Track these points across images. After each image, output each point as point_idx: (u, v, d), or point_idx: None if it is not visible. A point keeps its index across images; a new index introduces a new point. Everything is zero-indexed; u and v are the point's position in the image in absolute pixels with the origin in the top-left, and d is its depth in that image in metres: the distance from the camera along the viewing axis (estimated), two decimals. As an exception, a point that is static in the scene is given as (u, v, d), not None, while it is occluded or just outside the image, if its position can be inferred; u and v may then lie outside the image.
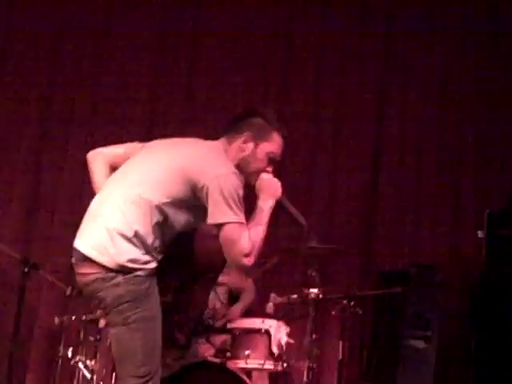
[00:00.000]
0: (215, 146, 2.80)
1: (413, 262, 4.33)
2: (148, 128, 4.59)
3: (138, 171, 2.71)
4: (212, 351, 3.22)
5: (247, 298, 4.05)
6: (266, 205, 2.72)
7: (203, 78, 4.78)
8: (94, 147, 2.68)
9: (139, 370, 2.59)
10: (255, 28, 4.83)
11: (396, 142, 4.78)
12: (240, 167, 2.73)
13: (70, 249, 2.66)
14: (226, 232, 2.60)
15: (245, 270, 2.68)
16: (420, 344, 3.92)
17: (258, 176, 2.79)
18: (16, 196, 4.50)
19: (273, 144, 2.82)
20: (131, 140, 2.89)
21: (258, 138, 2.79)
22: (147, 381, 2.60)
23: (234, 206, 2.59)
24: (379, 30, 4.84)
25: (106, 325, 3.32)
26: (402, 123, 4.80)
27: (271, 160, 2.83)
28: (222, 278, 3.62)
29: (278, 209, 2.78)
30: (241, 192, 2.65)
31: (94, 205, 2.72)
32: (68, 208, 4.30)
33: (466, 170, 4.75)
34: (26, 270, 3.66)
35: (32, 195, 4.51)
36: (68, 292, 3.70)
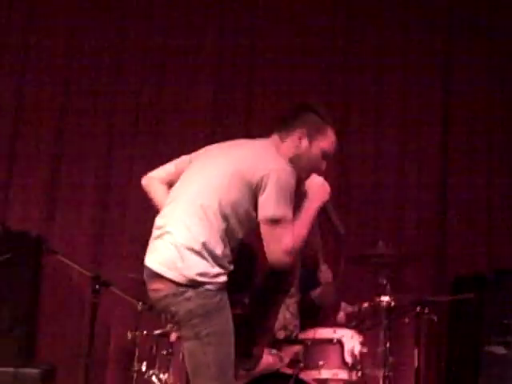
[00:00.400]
0: (267, 144, 2.77)
1: (490, 266, 4.19)
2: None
3: (194, 182, 2.71)
4: (285, 362, 3.18)
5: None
6: (313, 206, 2.68)
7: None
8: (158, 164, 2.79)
9: (213, 383, 2.58)
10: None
11: (464, 141, 4.66)
12: (293, 164, 2.69)
13: (138, 264, 2.69)
14: (268, 228, 2.57)
15: (281, 267, 2.60)
16: (501, 350, 3.78)
17: (311, 174, 2.75)
18: (85, 215, 4.60)
19: (327, 140, 2.79)
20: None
21: (313, 134, 2.76)
22: None
23: (284, 200, 2.57)
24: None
25: (178, 338, 3.35)
26: (469, 124, 4.69)
27: (325, 157, 2.79)
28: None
29: (321, 214, 2.73)
30: (293, 188, 2.62)
31: (159, 223, 2.73)
32: (135, 224, 4.36)
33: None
34: (97, 287, 3.71)
35: (100, 213, 4.60)
36: (139, 307, 3.75)
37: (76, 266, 3.88)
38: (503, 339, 3.79)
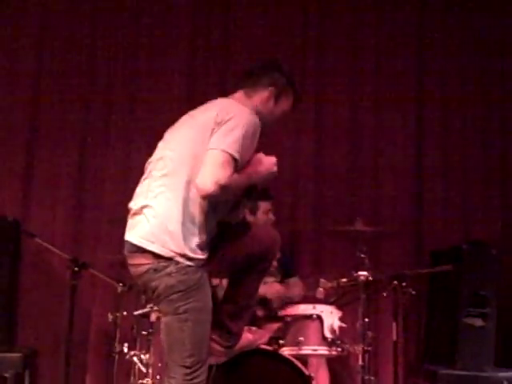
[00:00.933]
0: (230, 99, 2.79)
1: (465, 239, 4.22)
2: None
3: (166, 156, 2.71)
4: (265, 339, 3.20)
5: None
6: (255, 176, 2.69)
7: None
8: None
9: (187, 359, 2.60)
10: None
11: (439, 117, 4.67)
12: None
13: (118, 246, 2.68)
14: (215, 154, 2.54)
15: (204, 195, 2.55)
16: (478, 322, 3.82)
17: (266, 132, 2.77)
18: (62, 197, 4.55)
19: (289, 102, 2.87)
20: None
21: (279, 95, 2.83)
22: (195, 371, 2.61)
23: (240, 144, 2.57)
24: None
25: (158, 318, 3.36)
26: (444, 98, 4.69)
27: (283, 116, 2.88)
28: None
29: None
30: (252, 137, 2.63)
31: (137, 198, 2.74)
32: (113, 206, 4.33)
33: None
34: (76, 269, 3.70)
35: (77, 195, 4.55)
36: (119, 289, 3.75)
37: (54, 249, 3.86)
38: (480, 311, 3.84)
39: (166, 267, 2.59)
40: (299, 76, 4.54)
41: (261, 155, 2.74)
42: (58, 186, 4.57)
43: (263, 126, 2.73)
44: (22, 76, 4.64)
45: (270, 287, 3.77)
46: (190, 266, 2.61)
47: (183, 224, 2.59)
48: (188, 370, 2.60)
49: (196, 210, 2.61)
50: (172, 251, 2.59)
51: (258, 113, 2.75)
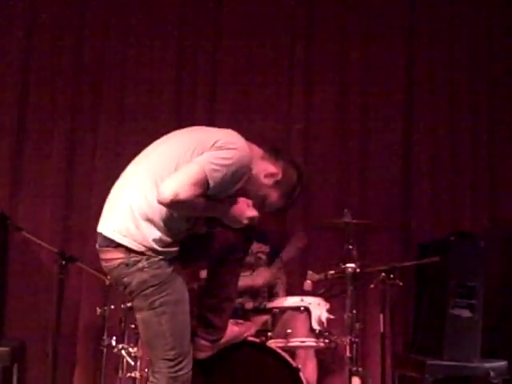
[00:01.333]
0: (241, 137, 2.75)
1: (453, 231, 4.25)
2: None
3: (151, 155, 2.73)
4: (252, 331, 3.21)
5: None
6: (229, 214, 2.67)
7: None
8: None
9: (169, 352, 2.62)
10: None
11: (428, 109, 4.68)
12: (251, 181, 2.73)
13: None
14: (194, 168, 2.53)
15: (158, 200, 2.52)
16: (465, 313, 3.85)
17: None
18: (51, 190, 4.54)
19: (281, 202, 2.87)
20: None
21: (281, 186, 2.82)
22: (179, 363, 2.62)
23: (222, 173, 2.54)
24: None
25: (130, 309, 3.35)
26: (433, 88, 4.70)
27: (269, 206, 2.87)
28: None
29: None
30: (241, 178, 2.62)
31: (114, 190, 2.75)
32: (101, 199, 4.31)
33: (501, 132, 4.64)
34: (63, 263, 3.69)
35: (65, 189, 4.54)
36: (107, 282, 3.74)
37: (41, 242, 3.85)
38: (467, 302, 3.86)
39: (137, 262, 2.60)
40: (287, 77, 4.58)
41: (245, 202, 2.73)
42: (46, 180, 4.56)
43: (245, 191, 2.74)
44: (9, 76, 4.60)
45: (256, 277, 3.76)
46: (161, 259, 2.62)
47: (155, 220, 2.60)
48: (172, 363, 2.61)
49: (167, 209, 2.59)
50: (143, 246, 2.59)
51: (256, 175, 2.76)
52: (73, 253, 3.82)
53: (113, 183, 2.73)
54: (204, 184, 2.52)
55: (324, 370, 3.98)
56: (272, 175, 2.81)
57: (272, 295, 3.83)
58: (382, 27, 4.74)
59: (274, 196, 2.84)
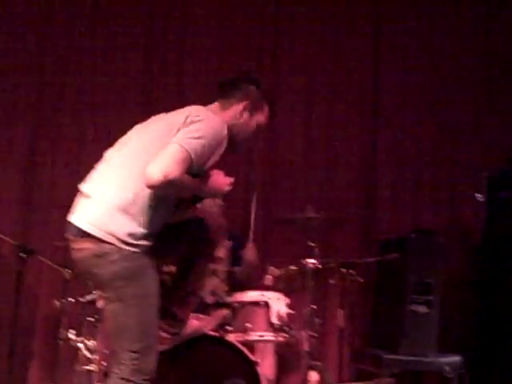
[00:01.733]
0: (206, 108, 2.80)
1: (414, 228, 4.30)
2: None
3: (129, 146, 2.73)
4: (212, 325, 3.21)
5: None
6: (205, 189, 2.71)
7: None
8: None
9: (135, 345, 2.60)
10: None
11: (393, 104, 4.71)
12: (230, 132, 2.74)
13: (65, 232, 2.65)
14: (174, 148, 2.54)
15: (149, 184, 2.52)
16: (422, 309, 3.90)
17: (243, 146, 2.84)
18: (11, 184, 4.48)
19: (264, 115, 2.92)
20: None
21: (254, 108, 2.86)
22: (143, 355, 2.61)
23: (199, 145, 2.56)
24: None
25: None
26: (399, 86, 4.73)
27: (258, 130, 2.90)
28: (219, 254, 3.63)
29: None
30: (219, 145, 2.64)
31: (88, 183, 2.72)
32: (63, 191, 4.28)
33: (464, 131, 4.70)
34: (23, 255, 3.66)
35: (26, 180, 4.49)
36: (67, 275, 3.72)
37: (1, 235, 3.80)
38: (425, 298, 3.92)
39: (109, 254, 2.58)
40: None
41: (219, 173, 2.76)
42: (6, 171, 4.50)
43: (239, 140, 2.81)
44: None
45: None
46: (134, 252, 2.61)
47: (129, 212, 2.59)
48: (136, 355, 2.60)
49: (143, 201, 2.60)
50: (116, 238, 2.58)
51: (232, 125, 2.79)
52: (33, 245, 3.78)
53: (75, 177, 2.73)
54: (188, 160, 2.55)
55: (283, 365, 4.00)
56: (242, 110, 2.85)
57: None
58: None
59: (259, 119, 2.89)
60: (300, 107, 4.69)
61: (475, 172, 4.44)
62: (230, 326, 3.32)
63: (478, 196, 4.23)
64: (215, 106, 2.86)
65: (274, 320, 3.43)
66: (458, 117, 4.73)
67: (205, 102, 2.87)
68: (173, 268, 3.07)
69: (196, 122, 2.63)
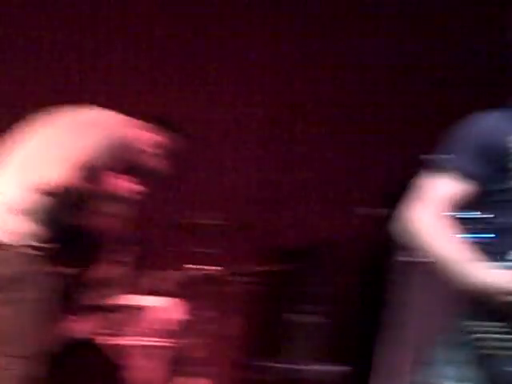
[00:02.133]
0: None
1: (313, 238, 4.38)
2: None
3: (30, 144, 2.71)
4: (90, 330, 3.23)
5: None
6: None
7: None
8: None
9: (26, 350, 2.57)
10: None
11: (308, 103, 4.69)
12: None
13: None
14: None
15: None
16: (307, 318, 3.99)
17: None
18: None
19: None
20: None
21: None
22: (34, 361, 2.58)
23: (101, 150, 2.60)
24: None
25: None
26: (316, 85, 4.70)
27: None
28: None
29: None
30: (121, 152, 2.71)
31: None
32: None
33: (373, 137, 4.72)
34: None
35: None
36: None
37: None
38: (311, 308, 4.00)
39: (3, 255, 2.56)
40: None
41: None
42: None
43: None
44: None
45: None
46: (32, 255, 2.59)
47: (29, 214, 2.57)
48: (27, 361, 2.57)
49: (43, 203, 2.59)
50: (13, 239, 2.56)
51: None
52: None
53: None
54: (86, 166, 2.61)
55: (168, 371, 4.02)
56: None
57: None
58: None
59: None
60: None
61: (359, 186, 4.51)
62: (109, 329, 3.34)
63: (360, 210, 4.28)
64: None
65: (155, 325, 3.44)
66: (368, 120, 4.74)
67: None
68: (70, 271, 3.08)
69: (102, 128, 2.70)
